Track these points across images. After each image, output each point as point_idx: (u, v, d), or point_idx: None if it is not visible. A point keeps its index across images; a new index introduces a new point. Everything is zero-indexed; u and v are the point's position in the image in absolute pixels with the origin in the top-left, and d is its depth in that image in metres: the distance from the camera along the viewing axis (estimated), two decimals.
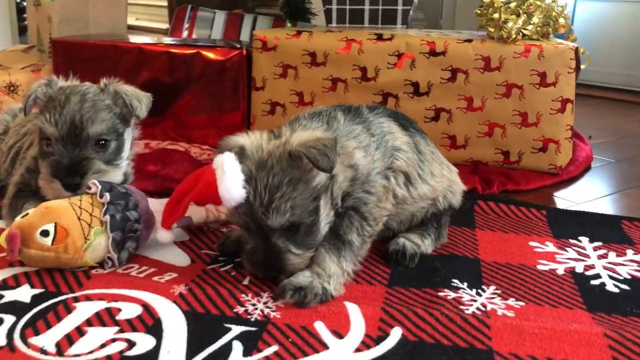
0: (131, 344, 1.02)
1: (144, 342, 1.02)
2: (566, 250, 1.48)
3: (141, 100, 1.44)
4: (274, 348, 1.02)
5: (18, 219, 1.22)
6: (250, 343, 1.04)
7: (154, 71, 2.29)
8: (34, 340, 1.02)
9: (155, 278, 1.25)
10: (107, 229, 1.24)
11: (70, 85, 1.41)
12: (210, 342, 1.03)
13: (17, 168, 1.57)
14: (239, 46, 2.29)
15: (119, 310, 1.12)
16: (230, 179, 1.15)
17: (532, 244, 1.52)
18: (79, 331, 1.05)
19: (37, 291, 1.18)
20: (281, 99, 2.21)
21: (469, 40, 2.05)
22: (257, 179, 1.15)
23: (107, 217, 1.24)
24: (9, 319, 1.08)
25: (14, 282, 1.21)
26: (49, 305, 1.13)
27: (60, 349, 1.00)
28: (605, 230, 1.62)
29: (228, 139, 1.24)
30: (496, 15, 2.04)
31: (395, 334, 1.07)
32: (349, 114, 1.34)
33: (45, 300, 1.15)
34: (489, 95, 2.05)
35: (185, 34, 3.01)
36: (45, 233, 1.19)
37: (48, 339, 1.02)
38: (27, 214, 1.22)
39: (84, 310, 1.12)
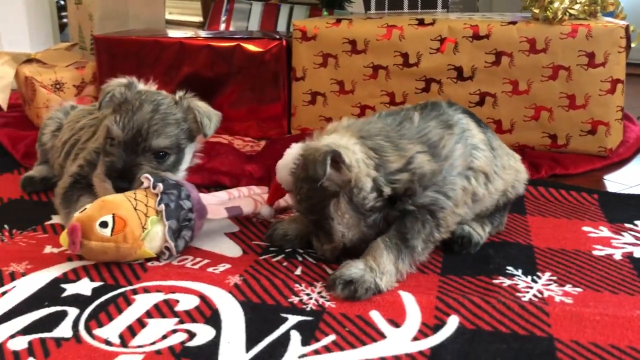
0: (192, 335, 1.03)
1: (204, 332, 1.04)
2: (622, 235, 1.45)
3: (211, 119, 1.45)
4: (332, 337, 1.03)
5: (76, 214, 1.25)
6: (308, 333, 1.04)
7: (195, 65, 2.31)
8: (98, 332, 1.05)
9: (210, 269, 1.27)
10: (163, 218, 1.27)
11: (147, 92, 1.42)
12: (268, 332, 1.04)
13: (71, 161, 1.61)
14: (278, 37, 2.28)
15: (177, 301, 1.15)
16: (284, 163, 1.30)
17: (585, 228, 1.49)
18: (140, 323, 1.07)
19: (96, 284, 1.21)
20: (322, 88, 2.20)
21: (513, 22, 2.00)
22: (297, 171, 1.25)
23: (162, 206, 1.26)
24: (73, 312, 1.11)
25: (74, 276, 1.24)
26: (110, 298, 1.16)
27: (123, 340, 1.02)
28: None
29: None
30: None
31: (452, 322, 1.07)
32: (425, 110, 1.32)
33: (105, 293, 1.18)
34: (534, 78, 2.01)
35: (222, 26, 3.03)
36: (104, 224, 1.22)
37: (111, 331, 1.05)
38: (85, 209, 1.25)
39: (143, 302, 1.14)
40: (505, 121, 2.06)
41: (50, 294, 1.17)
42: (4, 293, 1.17)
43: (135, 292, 1.18)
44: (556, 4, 1.95)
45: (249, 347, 1.00)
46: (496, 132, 2.04)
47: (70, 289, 1.19)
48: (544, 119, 2.03)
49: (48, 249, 1.37)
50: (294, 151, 1.30)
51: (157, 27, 2.93)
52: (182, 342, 1.01)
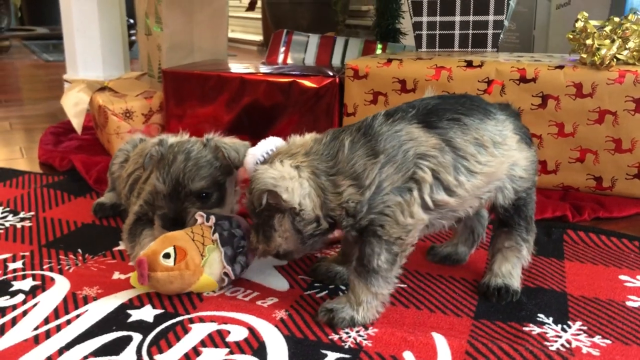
0: None
1: None
2: None
3: (239, 151, 1.58)
4: None
5: (142, 252, 1.40)
6: None
7: (254, 98, 2.46)
8: (158, 357, 1.18)
9: (259, 302, 1.39)
10: (219, 245, 1.41)
11: (178, 143, 1.58)
12: None
13: (134, 196, 1.77)
14: (331, 74, 2.41)
15: (229, 332, 1.27)
16: (254, 152, 1.39)
17: (622, 277, 1.53)
18: (195, 351, 1.20)
19: (158, 311, 1.35)
20: None
21: (561, 67, 2.05)
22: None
23: (216, 235, 1.41)
24: (137, 337, 1.25)
25: (139, 302, 1.38)
26: (169, 325, 1.29)
27: None
28: None
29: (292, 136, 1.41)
30: (589, 42, 2.03)
31: None
32: (357, 135, 1.29)
33: (166, 320, 1.31)
34: (580, 122, 2.05)
35: (281, 57, 3.18)
36: (167, 255, 1.37)
37: (170, 357, 1.18)
38: (150, 246, 1.40)
39: (198, 331, 1.27)
40: (550, 162, 2.10)
41: (117, 318, 1.32)
42: (78, 316, 1.33)
43: (192, 320, 1.31)
44: (603, 51, 1.99)
45: None
46: (541, 173, 2.10)
47: (135, 314, 1.33)
48: (589, 161, 2.06)
49: (116, 275, 1.52)
50: (268, 142, 1.40)
51: (220, 58, 3.11)
52: None
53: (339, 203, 1.27)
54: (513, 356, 1.17)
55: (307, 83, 2.38)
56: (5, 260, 1.60)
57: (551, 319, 1.32)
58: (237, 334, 1.26)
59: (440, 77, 2.17)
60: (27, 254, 1.64)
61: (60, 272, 1.53)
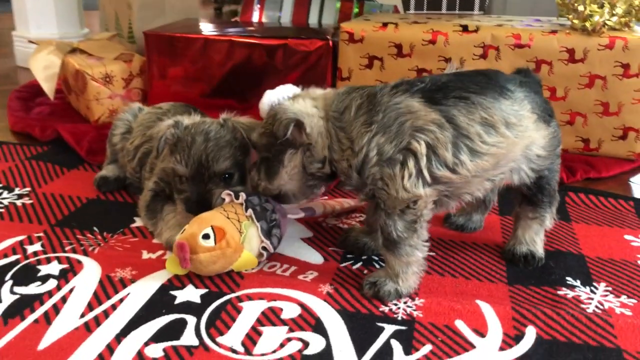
0: (306, 344, 1.17)
1: (315, 341, 1.18)
2: None
3: (257, 130, 1.55)
4: (429, 347, 1.17)
5: (178, 235, 1.38)
6: (406, 342, 1.19)
7: (243, 61, 2.40)
8: (221, 340, 1.18)
9: (300, 277, 1.41)
10: (254, 220, 1.40)
11: (194, 125, 1.54)
12: (371, 341, 1.19)
13: (146, 170, 1.72)
14: (324, 37, 2.37)
15: (281, 309, 1.28)
16: (271, 94, 1.43)
17: (627, 237, 1.64)
18: (256, 331, 1.21)
19: (202, 291, 1.34)
20: None
21: (554, 32, 2.12)
22: (274, 108, 1.39)
23: (250, 211, 1.40)
24: (191, 319, 1.24)
25: (179, 283, 1.37)
26: (219, 305, 1.29)
27: (247, 349, 1.16)
28: None
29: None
30: (581, 8, 2.10)
31: (531, 333, 1.22)
32: (364, 102, 1.33)
33: (213, 300, 1.31)
34: (572, 86, 2.13)
35: (256, 15, 3.09)
36: (206, 236, 1.35)
37: (233, 339, 1.18)
38: (184, 230, 1.38)
39: (250, 310, 1.27)
40: None
41: (163, 301, 1.30)
42: (121, 300, 1.30)
43: (240, 299, 1.31)
44: (596, 18, 2.06)
45: (359, 355, 1.15)
46: None
47: (180, 295, 1.32)
48: (579, 124, 2.16)
49: (145, 254, 1.49)
50: (287, 88, 1.44)
51: (194, 18, 2.99)
52: (300, 351, 1.15)
53: (341, 156, 1.33)
54: (556, 319, 1.25)
55: (299, 46, 2.34)
56: (21, 242, 1.53)
57: (579, 281, 1.41)
58: (290, 311, 1.28)
59: (437, 41, 2.19)
60: (40, 234, 1.57)
61: (85, 253, 1.49)
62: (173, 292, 1.33)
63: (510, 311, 1.28)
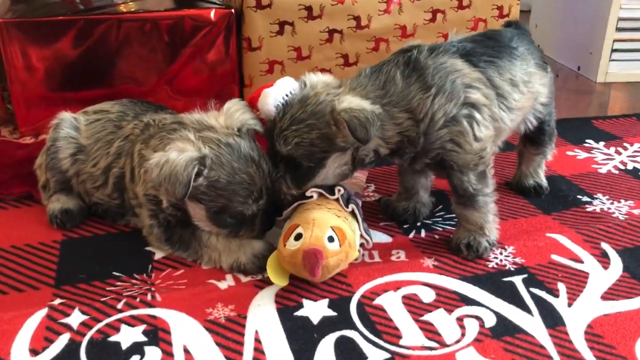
0: (480, 319, 1.17)
1: (485, 315, 1.18)
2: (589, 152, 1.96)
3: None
4: (563, 287, 1.28)
5: (295, 243, 1.21)
6: (543, 287, 1.28)
7: (133, 41, 2.05)
8: (404, 342, 1.11)
9: (393, 258, 1.37)
10: (358, 216, 1.31)
11: (220, 154, 1.25)
12: (518, 297, 1.24)
13: (129, 197, 1.43)
14: (225, 5, 2.16)
15: (415, 294, 1.24)
16: (273, 92, 1.31)
17: (569, 153, 1.96)
18: (423, 322, 1.16)
19: (324, 301, 1.21)
20: (279, 56, 2.20)
21: None
22: (290, 107, 1.27)
23: (352, 206, 1.31)
24: (352, 333, 1.13)
25: (292, 302, 1.21)
26: (359, 310, 1.19)
27: (437, 341, 1.11)
28: None
29: (307, 74, 1.36)
30: None
31: (608, 248, 1.41)
32: (407, 69, 1.31)
33: (345, 306, 1.20)
34: (460, 30, 2.36)
35: None
36: (331, 239, 1.22)
37: (414, 337, 1.12)
38: (300, 234, 1.21)
39: (391, 305, 1.21)
40: None
41: (300, 326, 1.15)
42: (258, 340, 1.11)
43: (368, 297, 1.23)
44: None
45: (529, 313, 1.20)
46: None
47: (310, 314, 1.17)
48: None
49: (221, 284, 1.27)
50: (286, 83, 1.33)
51: None
52: (483, 327, 1.15)
53: (398, 131, 1.31)
54: (612, 232, 1.47)
55: (199, 17, 2.09)
56: (50, 317, 1.15)
57: (586, 197, 1.66)
58: (426, 294, 1.24)
59: (345, 1, 2.18)
60: (59, 301, 1.20)
61: (147, 304, 1.20)
62: (298, 313, 1.18)
63: (577, 234, 1.46)
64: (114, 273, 1.31)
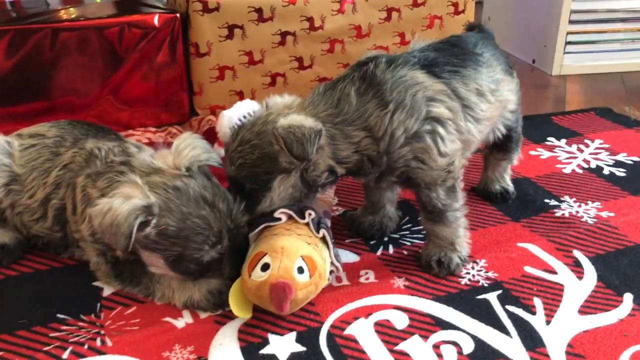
0: (457, 345, 1.11)
1: (462, 339, 1.12)
2: (557, 151, 1.93)
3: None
4: (539, 301, 1.23)
5: (261, 274, 1.11)
6: (518, 303, 1.23)
7: (72, 51, 1.91)
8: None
9: (362, 280, 1.29)
10: (329, 242, 1.22)
11: (167, 199, 1.13)
12: (492, 314, 1.19)
13: (71, 230, 1.31)
14: (169, 9, 2.03)
15: (388, 320, 1.17)
16: (228, 114, 1.24)
17: (532, 153, 1.92)
18: (397, 352, 1.09)
19: (291, 335, 1.13)
20: (230, 61, 2.09)
21: None
22: (242, 129, 1.22)
23: (323, 232, 1.21)
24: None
25: (257, 338, 1.12)
26: (330, 343, 1.11)
27: None
28: None
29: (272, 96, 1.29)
30: None
31: (580, 256, 1.37)
32: (363, 85, 1.23)
33: (314, 340, 1.12)
34: (417, 29, 2.30)
35: None
36: (300, 270, 1.13)
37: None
38: (267, 265, 1.11)
39: (363, 334, 1.13)
40: None
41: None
42: None
43: (338, 327, 1.15)
44: None
45: (504, 332, 1.14)
46: None
47: (276, 351, 1.09)
48: None
49: (178, 322, 1.16)
50: (245, 105, 1.26)
51: None
52: (461, 354, 1.09)
53: (354, 151, 1.23)
54: (583, 238, 1.44)
55: (142, 23, 1.96)
56: None
57: (554, 200, 1.62)
58: (399, 319, 1.17)
59: (297, 1, 2.08)
60: None
61: (97, 351, 1.08)
62: (264, 351, 1.09)
63: (548, 243, 1.42)
64: (58, 315, 1.19)
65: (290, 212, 1.21)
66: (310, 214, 1.21)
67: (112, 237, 1.08)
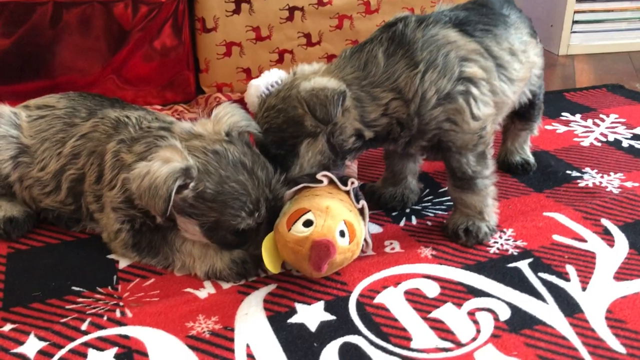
0: (494, 312, 1.07)
1: (497, 306, 1.08)
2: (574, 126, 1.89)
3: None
4: (572, 268, 1.19)
5: (303, 229, 1.05)
6: (551, 270, 1.19)
7: (75, 26, 1.85)
8: (416, 344, 0.99)
9: (387, 250, 1.25)
10: (366, 215, 1.17)
11: (207, 162, 1.10)
12: (527, 282, 1.15)
13: (87, 202, 1.26)
14: None
15: (418, 289, 1.13)
16: (256, 83, 1.24)
17: (547, 127, 1.89)
18: (432, 320, 1.05)
19: (319, 304, 1.08)
20: (237, 37, 2.03)
21: None
22: (268, 98, 1.20)
23: (363, 203, 1.16)
24: (357, 339, 1.00)
25: (283, 307, 1.07)
26: (360, 311, 1.06)
27: (453, 341, 1.00)
28: None
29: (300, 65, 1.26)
30: None
31: (608, 224, 1.33)
32: (391, 46, 1.20)
33: (343, 309, 1.07)
34: (426, 4, 2.25)
35: None
36: (342, 234, 1.08)
37: (424, 339, 1.00)
38: (309, 221, 1.06)
39: (393, 303, 1.09)
40: None
41: (297, 335, 1.01)
42: (251, 357, 0.96)
43: (367, 295, 1.10)
44: None
45: (541, 300, 1.10)
46: None
47: (306, 320, 1.04)
48: None
49: (200, 293, 1.11)
50: (272, 74, 1.25)
51: None
52: (498, 320, 1.05)
53: (382, 113, 1.19)
54: (609, 207, 1.40)
55: (147, 1, 1.90)
56: (3, 349, 0.97)
57: (575, 172, 1.58)
58: (430, 288, 1.13)
59: None
60: (12, 326, 1.02)
61: (118, 322, 1.03)
62: (292, 320, 1.05)
63: (575, 212, 1.38)
64: (73, 288, 1.13)
65: (333, 177, 1.16)
66: (352, 182, 1.17)
67: (151, 200, 1.04)
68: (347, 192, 1.16)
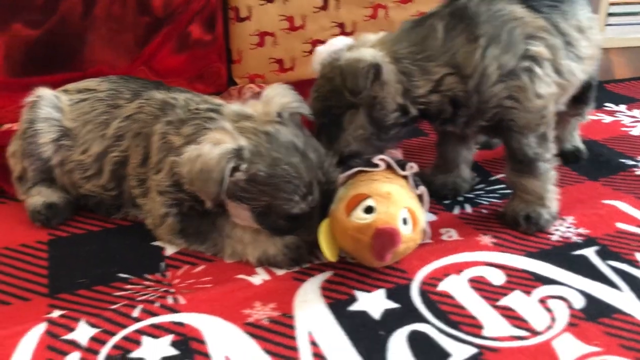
0: (567, 300, 1.01)
1: (571, 294, 1.02)
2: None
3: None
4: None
5: (364, 216, 1.00)
6: (617, 257, 1.12)
7: (108, 14, 1.81)
8: (487, 333, 0.93)
9: (444, 238, 1.19)
10: (425, 202, 1.11)
11: (258, 144, 1.05)
12: (595, 270, 1.08)
13: (130, 186, 1.22)
14: None
15: (482, 277, 1.07)
16: (320, 50, 1.25)
17: (592, 117, 1.82)
18: (500, 308, 0.99)
19: (380, 292, 1.02)
20: (270, 27, 1.98)
21: None
22: (324, 66, 1.21)
23: (422, 189, 1.10)
24: (427, 329, 0.94)
25: (343, 295, 1.02)
26: (424, 299, 1.01)
27: (528, 329, 0.94)
28: None
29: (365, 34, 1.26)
30: None
31: None
32: (452, 20, 1.16)
33: (404, 296, 1.02)
34: None
35: None
36: (404, 221, 1.02)
37: (496, 327, 0.94)
38: (371, 207, 1.01)
39: (458, 290, 1.03)
40: None
41: (359, 323, 0.95)
42: (314, 344, 0.91)
43: (429, 283, 1.04)
44: None
45: (613, 286, 1.04)
46: None
47: (368, 308, 0.98)
48: None
49: (255, 279, 1.06)
50: (338, 42, 1.24)
51: None
52: (572, 308, 0.99)
53: (432, 90, 1.16)
54: None
55: None
56: (51, 334, 0.92)
57: (629, 160, 1.52)
58: (495, 275, 1.07)
59: None
60: (57, 313, 0.97)
61: (173, 310, 0.98)
62: (353, 308, 0.99)
63: (637, 200, 1.32)
64: (120, 275, 1.08)
65: (390, 160, 1.11)
66: (412, 167, 1.11)
67: (203, 184, 1.01)
68: (405, 177, 1.10)
